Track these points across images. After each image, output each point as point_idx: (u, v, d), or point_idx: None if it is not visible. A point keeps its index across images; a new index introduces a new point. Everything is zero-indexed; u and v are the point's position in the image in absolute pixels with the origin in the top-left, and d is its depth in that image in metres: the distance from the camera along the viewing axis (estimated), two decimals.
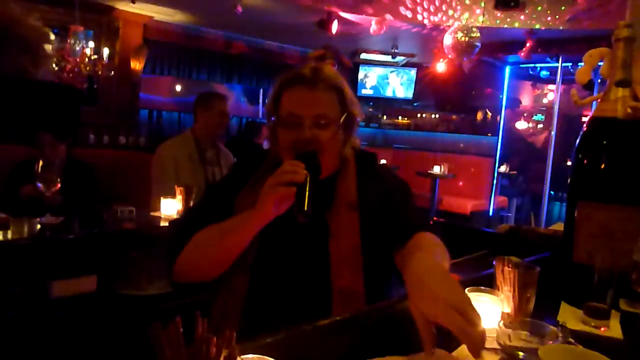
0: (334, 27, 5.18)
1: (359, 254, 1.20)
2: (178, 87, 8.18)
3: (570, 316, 1.16)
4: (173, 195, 2.49)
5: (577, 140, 1.37)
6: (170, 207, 2.47)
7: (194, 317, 0.59)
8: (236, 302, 1.18)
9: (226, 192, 1.27)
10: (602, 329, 1.11)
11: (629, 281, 1.24)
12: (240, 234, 1.13)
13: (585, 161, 1.35)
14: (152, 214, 2.55)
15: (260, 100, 8.68)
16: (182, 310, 1.20)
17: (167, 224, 2.38)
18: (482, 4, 4.33)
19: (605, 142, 1.32)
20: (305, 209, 1.07)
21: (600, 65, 1.43)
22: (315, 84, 1.21)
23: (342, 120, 1.25)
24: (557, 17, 4.44)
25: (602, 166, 1.31)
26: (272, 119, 1.27)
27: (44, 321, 1.80)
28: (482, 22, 4.53)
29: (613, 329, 1.11)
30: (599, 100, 1.38)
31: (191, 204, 2.42)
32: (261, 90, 8.42)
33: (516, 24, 4.72)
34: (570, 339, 1.02)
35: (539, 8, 4.37)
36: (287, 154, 1.22)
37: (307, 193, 1.08)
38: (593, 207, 1.30)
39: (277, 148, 1.27)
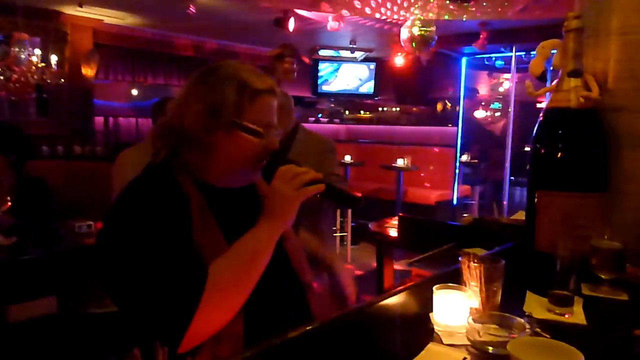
0: (291, 24, 5.15)
1: (303, 250, 1.27)
2: (134, 92, 7.99)
3: (536, 305, 1.18)
4: None
5: (534, 131, 1.40)
6: None
7: (153, 346, 0.56)
8: (233, 344, 1.03)
9: (171, 231, 1.02)
10: (567, 315, 1.13)
11: (589, 267, 1.28)
12: (269, 251, 1.06)
13: (542, 151, 1.37)
14: None
15: None
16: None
17: None
18: None
19: (560, 131, 1.34)
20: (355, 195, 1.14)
21: (552, 56, 1.46)
22: (275, 94, 1.17)
23: None
24: (509, 8, 4.53)
25: (559, 155, 1.33)
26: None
27: (4, 348, 1.71)
28: (436, 15, 4.59)
29: (577, 314, 1.14)
30: (552, 90, 1.40)
31: None
32: None
33: (468, 17, 4.81)
34: (538, 329, 1.04)
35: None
36: (247, 162, 1.13)
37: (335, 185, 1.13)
38: (552, 195, 1.33)
39: (209, 161, 1.12)
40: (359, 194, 1.13)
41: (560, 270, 1.14)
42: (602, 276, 1.27)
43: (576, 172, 1.32)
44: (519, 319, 1.01)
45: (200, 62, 7.06)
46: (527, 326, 0.99)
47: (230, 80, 1.09)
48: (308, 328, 0.86)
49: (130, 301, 1.00)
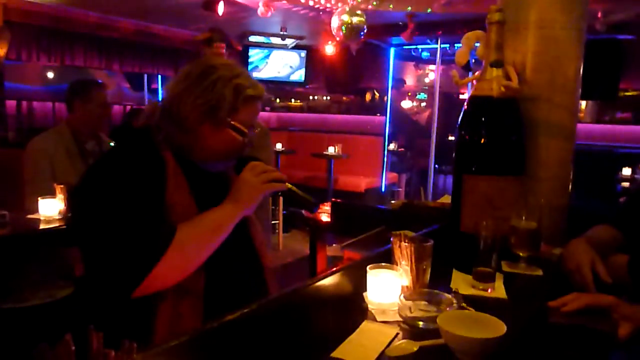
0: (220, 8, 5.02)
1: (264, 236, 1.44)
2: (50, 74, 7.47)
3: (461, 282, 1.26)
4: (52, 195, 2.27)
5: (459, 118, 1.47)
6: (50, 208, 2.24)
7: (88, 331, 0.54)
8: (194, 302, 1.16)
9: (145, 194, 1.14)
10: (489, 290, 1.21)
11: (509, 245, 1.37)
12: (229, 228, 1.20)
13: (467, 137, 1.44)
14: (28, 216, 2.31)
15: (145, 86, 8.21)
16: (71, 321, 1.10)
17: (48, 226, 2.17)
18: None
19: (483, 118, 1.42)
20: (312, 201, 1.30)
21: (477, 47, 1.54)
22: (262, 100, 1.34)
23: None
24: (434, 0, 4.70)
25: (482, 141, 1.41)
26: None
27: None
28: (366, 4, 4.66)
29: (498, 289, 1.22)
30: (476, 80, 1.48)
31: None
32: (146, 76, 7.96)
33: (395, 7, 4.93)
34: (463, 304, 1.10)
35: None
36: (228, 154, 1.30)
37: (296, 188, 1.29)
38: (476, 179, 1.41)
39: (193, 146, 1.26)
40: (314, 200, 1.30)
41: (482, 249, 1.22)
42: (520, 254, 1.37)
43: (497, 157, 1.40)
44: (446, 295, 1.07)
45: (124, 44, 6.71)
46: (454, 301, 1.06)
47: (229, 82, 1.23)
48: (245, 310, 0.86)
49: (99, 246, 1.10)
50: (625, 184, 4.49)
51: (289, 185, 1.27)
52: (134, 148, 1.25)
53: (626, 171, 4.63)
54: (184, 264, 1.13)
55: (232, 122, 1.24)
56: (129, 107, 7.51)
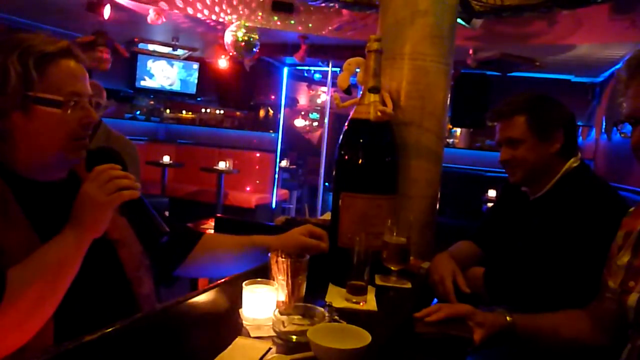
0: (106, 12, 4.76)
1: (146, 257, 1.18)
2: None
3: (336, 295, 1.30)
4: None
5: (340, 139, 1.54)
6: None
7: None
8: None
9: None
10: (361, 303, 1.27)
11: (381, 259, 1.45)
12: (77, 260, 0.95)
13: (346, 157, 1.52)
14: None
15: None
16: None
17: None
18: (260, 6, 4.51)
19: (361, 140, 1.50)
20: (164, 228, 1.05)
21: (357, 73, 1.63)
22: (75, 57, 1.05)
23: None
24: (326, 25, 4.89)
25: (359, 161, 1.49)
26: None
27: None
28: (260, 23, 4.72)
29: (370, 302, 1.29)
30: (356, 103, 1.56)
31: None
32: None
33: (291, 28, 5.05)
34: (336, 317, 1.14)
35: (311, 15, 4.76)
36: (59, 141, 1.01)
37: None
38: (353, 197, 1.48)
39: (14, 149, 1.00)
40: (167, 229, 1.07)
41: (356, 263, 1.28)
42: (392, 267, 1.46)
43: (373, 176, 1.49)
44: (320, 308, 1.10)
45: None
46: (327, 314, 1.09)
47: (12, 50, 0.96)
48: (108, 330, 0.81)
49: None
50: (490, 204, 4.97)
51: (141, 200, 1.03)
52: None
53: (491, 193, 5.14)
54: (25, 320, 0.87)
55: (36, 95, 0.96)
56: None
